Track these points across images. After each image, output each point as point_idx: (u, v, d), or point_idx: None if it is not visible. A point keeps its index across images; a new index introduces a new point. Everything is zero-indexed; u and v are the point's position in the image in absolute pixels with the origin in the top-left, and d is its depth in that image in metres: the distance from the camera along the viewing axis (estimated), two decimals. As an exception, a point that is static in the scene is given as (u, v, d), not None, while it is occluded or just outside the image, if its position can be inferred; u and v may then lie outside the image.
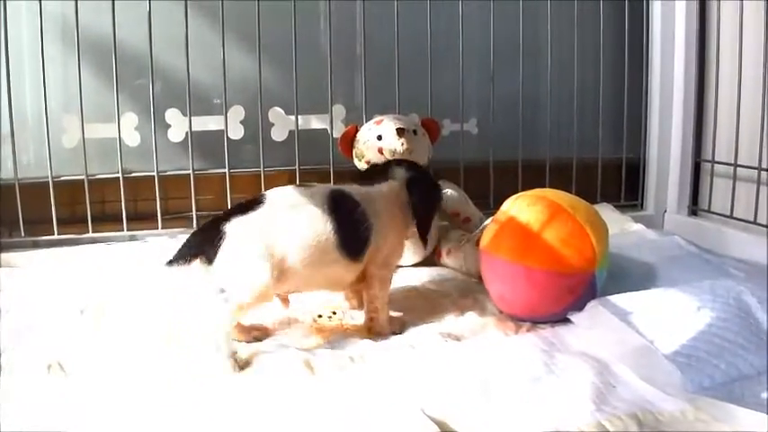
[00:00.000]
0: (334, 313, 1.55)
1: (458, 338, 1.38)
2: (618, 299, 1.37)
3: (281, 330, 1.45)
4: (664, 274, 1.66)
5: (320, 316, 1.53)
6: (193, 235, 1.36)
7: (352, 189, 1.42)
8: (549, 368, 1.22)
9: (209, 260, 1.28)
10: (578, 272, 1.40)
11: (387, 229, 1.40)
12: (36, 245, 2.05)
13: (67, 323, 1.47)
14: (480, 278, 1.62)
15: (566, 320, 1.43)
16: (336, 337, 1.40)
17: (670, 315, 1.30)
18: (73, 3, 2.00)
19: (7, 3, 1.97)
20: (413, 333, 1.42)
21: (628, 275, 1.65)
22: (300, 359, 1.23)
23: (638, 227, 2.15)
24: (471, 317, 1.50)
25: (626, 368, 1.20)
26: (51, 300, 1.63)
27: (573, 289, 1.40)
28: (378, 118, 1.96)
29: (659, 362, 1.17)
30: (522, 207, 1.46)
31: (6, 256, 1.95)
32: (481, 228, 1.77)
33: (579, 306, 1.40)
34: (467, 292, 1.66)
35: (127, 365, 1.24)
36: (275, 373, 1.20)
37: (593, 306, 1.37)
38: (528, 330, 1.43)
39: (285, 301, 1.48)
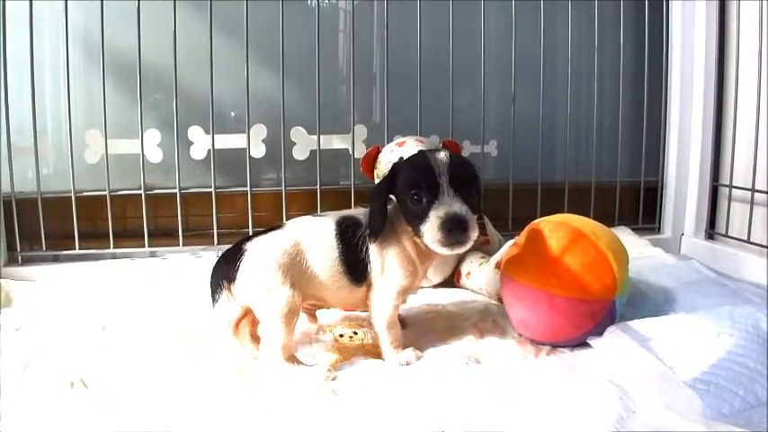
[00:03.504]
0: (356, 333, 1.56)
1: (478, 361, 1.38)
2: (637, 324, 1.38)
3: (303, 348, 1.47)
4: (682, 300, 1.65)
5: (341, 335, 1.54)
6: (217, 263, 1.41)
7: (359, 213, 1.43)
8: (569, 393, 1.22)
9: (231, 280, 1.35)
10: (599, 298, 1.39)
11: (383, 250, 1.39)
12: (57, 259, 2.08)
13: (89, 339, 1.50)
14: (500, 301, 1.63)
15: (585, 345, 1.43)
16: (356, 356, 1.42)
17: (689, 341, 1.30)
18: (98, 18, 2.03)
19: (33, 18, 1.99)
20: (433, 355, 1.42)
21: (646, 300, 1.66)
22: (322, 379, 1.27)
23: (656, 251, 2.15)
24: (491, 339, 1.51)
25: (645, 394, 1.19)
26: (71, 315, 1.66)
27: (593, 315, 1.40)
28: (400, 139, 1.97)
29: (679, 388, 1.17)
30: (545, 233, 1.46)
31: (27, 269, 1.99)
32: (501, 251, 1.77)
33: (599, 331, 1.41)
34: (487, 315, 1.67)
35: (152, 383, 1.27)
36: (296, 393, 1.23)
37: (612, 331, 1.38)
38: (548, 354, 1.43)
39: (313, 316, 1.55)
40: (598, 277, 1.39)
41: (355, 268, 1.39)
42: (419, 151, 1.40)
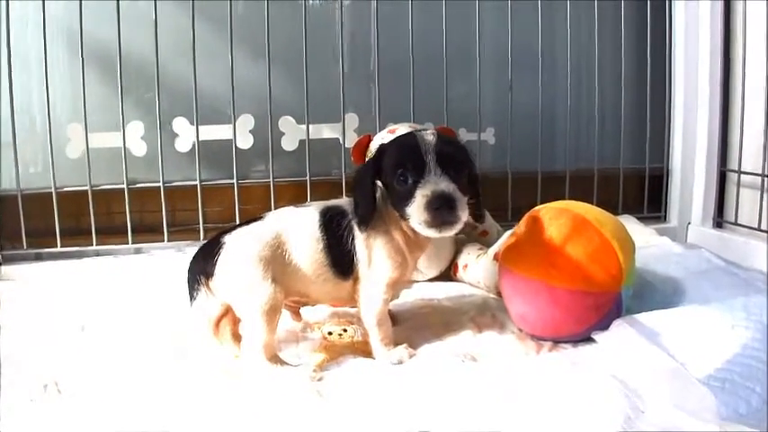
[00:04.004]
0: (345, 330, 1.49)
1: (474, 358, 1.32)
2: (645, 317, 1.32)
3: (288, 347, 1.41)
4: (692, 291, 1.58)
5: (330, 333, 1.47)
6: (194, 258, 1.35)
7: (344, 202, 1.37)
8: (573, 391, 1.16)
9: (209, 275, 1.29)
10: (604, 290, 1.33)
11: (370, 240, 1.32)
12: (39, 257, 2.04)
13: (66, 340, 1.45)
14: (499, 294, 1.57)
15: (589, 340, 1.36)
16: (345, 355, 1.35)
17: (701, 335, 1.23)
18: (78, 10, 1.98)
19: (13, 11, 1.97)
20: (427, 352, 1.36)
21: (653, 291, 1.59)
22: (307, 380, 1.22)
23: (663, 240, 2.08)
24: (489, 335, 1.45)
25: (655, 392, 1.13)
26: (51, 316, 1.61)
27: (598, 307, 1.34)
28: (392, 126, 1.91)
29: (691, 385, 1.11)
30: (545, 220, 1.40)
31: (7, 269, 1.94)
32: (500, 242, 1.71)
33: (604, 325, 1.34)
34: (485, 309, 1.60)
35: (127, 386, 1.22)
36: (278, 395, 1.18)
37: (618, 325, 1.32)
38: (549, 350, 1.37)
39: (297, 314, 1.48)
40: (603, 267, 1.33)
41: (341, 260, 1.32)
42: (406, 133, 1.35)
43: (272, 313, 1.26)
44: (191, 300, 1.32)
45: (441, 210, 1.19)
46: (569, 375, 1.23)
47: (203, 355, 1.35)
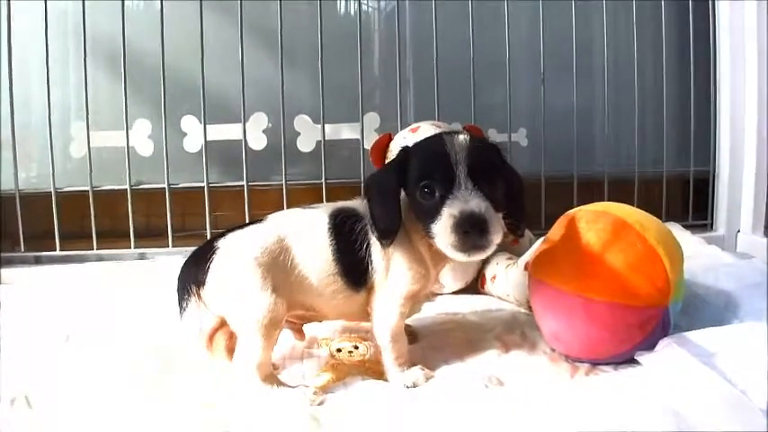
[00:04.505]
0: (356, 347, 1.36)
1: (501, 382, 1.21)
2: (697, 336, 1.20)
3: (291, 365, 1.30)
4: (747, 305, 1.44)
5: (339, 350, 1.35)
6: (184, 265, 1.24)
7: (357, 204, 1.25)
8: (614, 422, 1.02)
9: (201, 284, 1.18)
10: (649, 304, 1.21)
11: (390, 248, 1.19)
12: (38, 261, 2.00)
13: (47, 350, 1.38)
14: (530, 308, 1.46)
15: (632, 362, 1.25)
16: (354, 376, 1.23)
17: (763, 356, 1.10)
18: (94, 9, 1.97)
19: (15, 6, 1.93)
20: (446, 374, 1.25)
21: (704, 306, 1.48)
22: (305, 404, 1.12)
23: (712, 249, 1.99)
24: (518, 356, 1.34)
25: (710, 422, 0.99)
26: (39, 322, 1.55)
27: (642, 324, 1.22)
28: (414, 125, 1.83)
29: (752, 414, 0.99)
30: (582, 224, 1.29)
31: (5, 272, 1.89)
32: (531, 250, 1.61)
33: (649, 345, 1.22)
34: (513, 326, 1.50)
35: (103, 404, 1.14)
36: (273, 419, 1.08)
37: (666, 345, 1.20)
38: (586, 374, 1.26)
39: (299, 332, 1.36)
40: (647, 278, 1.21)
41: (353, 270, 1.20)
42: (434, 134, 1.22)
43: (271, 328, 1.13)
44: (180, 312, 1.20)
45: (470, 233, 1.07)
46: (609, 403, 1.09)
47: (190, 372, 1.24)
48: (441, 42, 2.04)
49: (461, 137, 1.13)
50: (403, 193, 1.19)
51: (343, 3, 2.26)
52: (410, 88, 2.15)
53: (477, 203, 1.07)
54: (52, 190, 1.94)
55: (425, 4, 2.07)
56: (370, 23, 2.12)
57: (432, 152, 1.14)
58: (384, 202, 1.16)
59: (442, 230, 1.08)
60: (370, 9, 2.13)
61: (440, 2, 2.04)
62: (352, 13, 2.24)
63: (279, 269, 1.16)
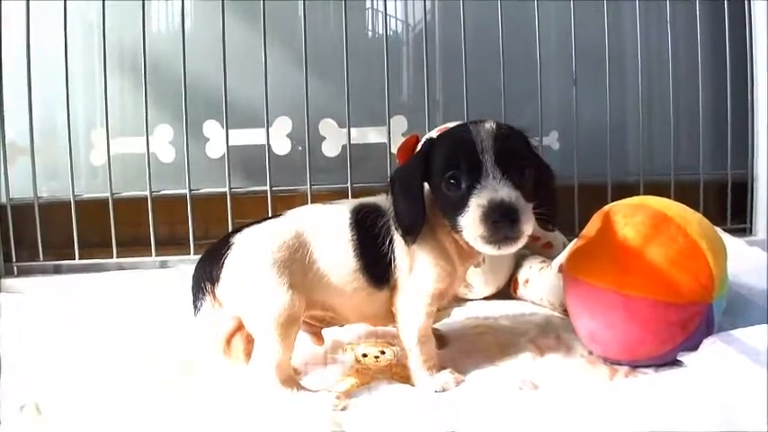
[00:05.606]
0: (383, 352, 1.31)
1: (535, 386, 1.17)
2: (745, 334, 1.15)
3: (314, 371, 1.25)
4: None
5: (365, 355, 1.30)
6: (199, 261, 1.21)
7: (380, 199, 1.20)
8: (658, 424, 0.97)
9: (215, 281, 1.14)
10: (691, 301, 1.15)
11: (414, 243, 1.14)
12: (58, 270, 1.96)
13: (62, 358, 1.35)
14: (565, 312, 1.42)
15: (674, 363, 1.20)
16: (379, 380, 1.18)
17: None
18: (112, 13, 1.94)
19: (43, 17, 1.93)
20: (477, 378, 1.20)
21: (749, 306, 1.42)
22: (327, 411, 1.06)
23: (755, 250, 1.91)
24: (553, 359, 1.29)
25: (762, 424, 0.93)
26: (56, 331, 1.52)
27: (684, 323, 1.16)
28: (442, 126, 1.76)
29: None
30: (618, 218, 1.23)
31: (24, 281, 1.88)
32: (565, 252, 1.54)
33: (692, 345, 1.17)
34: (548, 330, 1.45)
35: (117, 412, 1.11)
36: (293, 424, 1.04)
37: (712, 344, 1.15)
38: (626, 376, 1.21)
39: (318, 336, 1.30)
40: (689, 273, 1.15)
41: (375, 266, 1.15)
42: (459, 123, 1.18)
43: (288, 326, 1.08)
44: (194, 311, 1.16)
45: (500, 223, 1.01)
46: (652, 404, 1.03)
47: (207, 378, 1.20)
48: (470, 43, 1.99)
49: (487, 124, 1.08)
50: (427, 188, 1.13)
51: (369, 3, 2.22)
52: (438, 90, 2.10)
53: (507, 192, 1.02)
54: (71, 197, 1.91)
55: (454, 3, 2.02)
56: (398, 24, 2.07)
57: (456, 141, 1.09)
58: (407, 197, 1.10)
59: (470, 222, 1.03)
60: (397, 11, 2.09)
61: (468, 2, 1.99)
62: (380, 14, 2.20)
63: (297, 265, 1.11)
